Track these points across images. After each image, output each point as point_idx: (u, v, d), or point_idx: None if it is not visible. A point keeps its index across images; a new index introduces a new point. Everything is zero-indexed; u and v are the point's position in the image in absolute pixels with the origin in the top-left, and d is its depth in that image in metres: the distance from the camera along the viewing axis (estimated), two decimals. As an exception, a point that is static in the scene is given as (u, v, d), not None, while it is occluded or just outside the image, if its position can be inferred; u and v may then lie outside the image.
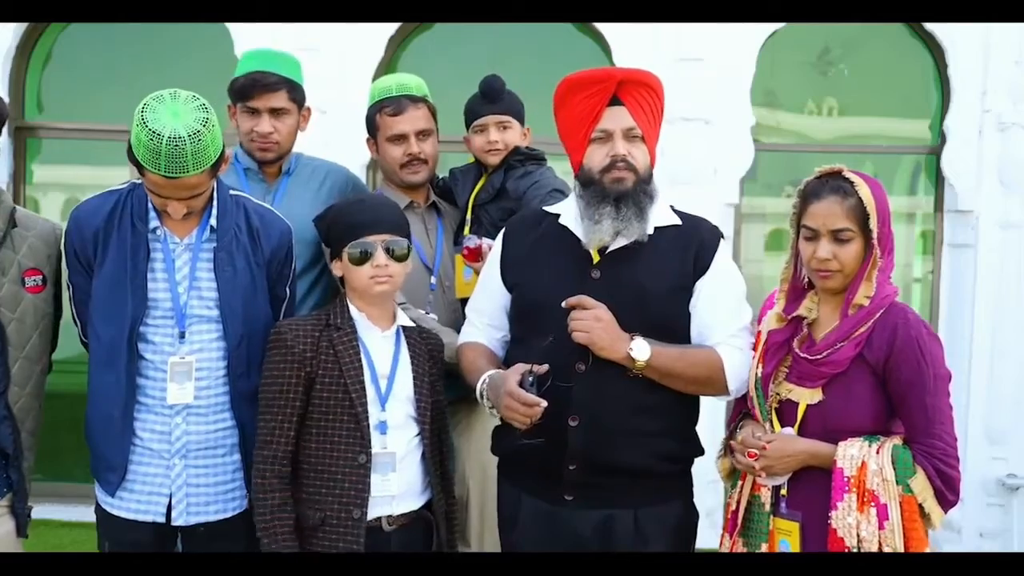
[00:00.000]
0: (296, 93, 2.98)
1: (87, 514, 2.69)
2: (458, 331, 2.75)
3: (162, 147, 2.24)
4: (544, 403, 2.26)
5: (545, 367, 2.32)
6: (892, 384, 2.25)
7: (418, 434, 2.48)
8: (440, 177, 3.21)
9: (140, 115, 2.27)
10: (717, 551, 2.45)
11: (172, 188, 2.33)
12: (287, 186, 3.03)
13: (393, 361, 2.48)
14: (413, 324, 2.58)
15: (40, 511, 2.78)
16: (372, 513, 2.40)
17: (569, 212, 2.52)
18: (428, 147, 3.04)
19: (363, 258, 2.42)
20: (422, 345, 2.55)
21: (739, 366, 2.44)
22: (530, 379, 2.30)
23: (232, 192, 2.59)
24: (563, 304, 2.36)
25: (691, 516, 2.55)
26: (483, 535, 3.01)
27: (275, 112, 2.94)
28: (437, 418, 2.54)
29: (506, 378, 2.33)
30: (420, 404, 2.48)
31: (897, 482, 2.20)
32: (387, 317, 2.51)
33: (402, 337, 2.53)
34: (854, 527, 2.19)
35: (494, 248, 2.65)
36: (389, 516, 2.43)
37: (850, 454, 2.22)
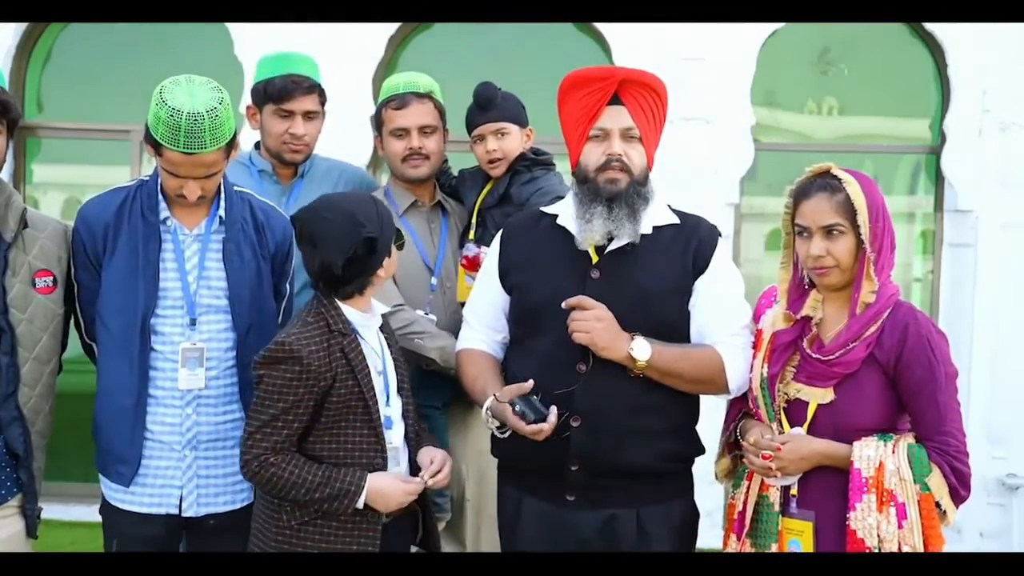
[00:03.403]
0: (323, 97, 3.06)
1: (86, 513, 2.69)
2: (456, 333, 2.74)
3: (181, 122, 2.30)
4: (544, 424, 2.27)
5: (514, 389, 2.34)
6: (903, 383, 2.25)
7: (407, 424, 2.48)
8: (451, 175, 3.21)
9: (159, 95, 2.33)
10: (720, 551, 2.44)
11: (189, 166, 2.37)
12: (302, 187, 3.04)
13: (383, 354, 2.47)
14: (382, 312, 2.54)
15: (39, 511, 2.77)
16: None
17: (566, 212, 2.51)
18: (431, 143, 3.03)
19: None
20: (385, 327, 2.53)
21: (740, 365, 2.44)
22: (517, 409, 2.31)
23: (236, 188, 2.62)
24: (563, 305, 2.36)
25: (693, 515, 2.55)
26: (479, 535, 3.01)
27: (307, 115, 2.99)
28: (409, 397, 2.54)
29: (505, 417, 2.34)
30: (403, 389, 2.48)
31: (915, 480, 2.19)
32: (370, 308, 2.47)
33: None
34: (874, 528, 2.18)
35: (491, 250, 2.64)
36: None
37: (867, 455, 2.21)
